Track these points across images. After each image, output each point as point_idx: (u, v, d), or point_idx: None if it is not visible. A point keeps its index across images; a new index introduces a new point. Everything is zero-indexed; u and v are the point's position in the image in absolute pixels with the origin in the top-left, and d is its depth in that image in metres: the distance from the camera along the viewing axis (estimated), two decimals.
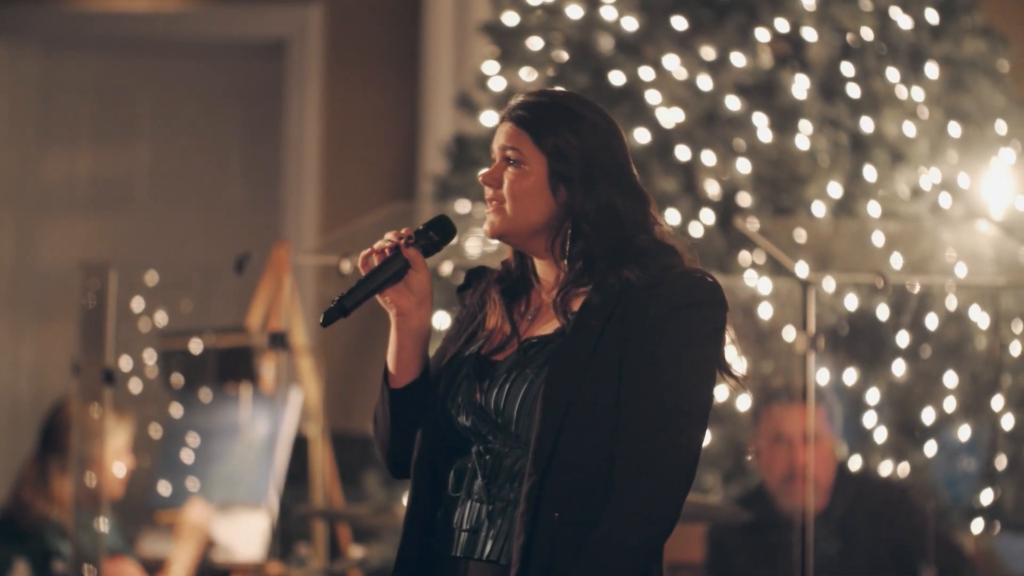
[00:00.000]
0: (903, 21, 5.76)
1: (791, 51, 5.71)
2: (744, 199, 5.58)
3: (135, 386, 5.87)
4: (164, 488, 5.85)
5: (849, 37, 5.69)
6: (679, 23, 5.70)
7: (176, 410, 5.95)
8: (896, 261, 5.22)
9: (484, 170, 2.98)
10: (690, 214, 5.58)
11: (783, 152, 5.59)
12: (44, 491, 5.57)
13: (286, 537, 5.71)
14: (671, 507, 2.81)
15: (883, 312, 5.52)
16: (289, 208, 7.73)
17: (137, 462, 5.80)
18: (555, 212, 2.93)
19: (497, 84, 5.89)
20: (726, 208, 5.58)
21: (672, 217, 5.50)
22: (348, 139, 7.68)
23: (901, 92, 5.68)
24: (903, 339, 5.49)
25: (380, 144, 7.65)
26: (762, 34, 5.68)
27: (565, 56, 5.82)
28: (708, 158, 5.60)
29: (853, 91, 5.66)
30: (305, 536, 5.95)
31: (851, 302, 5.50)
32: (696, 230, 5.56)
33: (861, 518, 5.12)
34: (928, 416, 5.50)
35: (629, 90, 5.68)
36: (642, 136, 5.61)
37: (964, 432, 5.46)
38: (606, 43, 5.79)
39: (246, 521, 5.77)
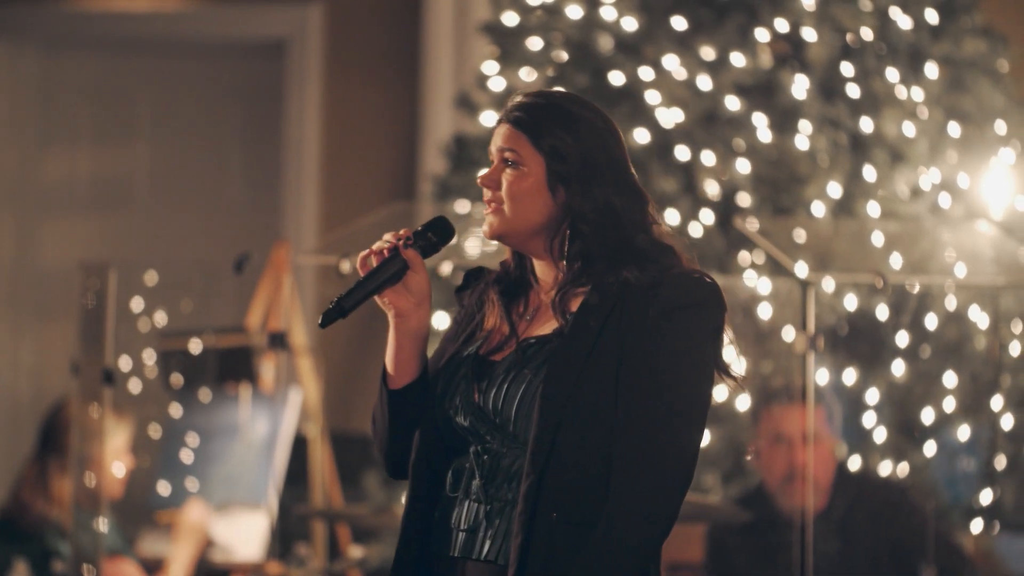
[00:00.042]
0: (903, 21, 5.76)
1: (791, 51, 5.71)
2: (744, 199, 5.58)
3: (135, 386, 5.87)
4: (164, 488, 5.85)
5: (849, 37, 5.69)
6: (679, 23, 5.70)
7: (176, 410, 5.95)
8: (896, 261, 5.21)
9: (483, 171, 2.99)
10: (690, 214, 5.58)
11: (783, 152, 5.59)
12: (44, 491, 5.57)
13: (285, 537, 5.71)
14: (669, 507, 2.81)
15: (883, 312, 5.51)
16: (289, 208, 7.73)
17: (137, 462, 5.80)
18: (554, 213, 2.94)
19: (497, 84, 5.89)
20: (726, 208, 5.58)
21: (672, 217, 5.50)
22: (348, 139, 7.68)
23: (901, 92, 5.68)
24: (903, 339, 5.49)
25: (380, 144, 7.65)
26: (762, 34, 5.68)
27: (565, 56, 5.82)
28: (708, 158, 5.60)
29: (853, 91, 5.66)
30: (304, 536, 5.95)
31: (851, 302, 5.50)
32: (696, 230, 5.56)
33: (861, 518, 5.12)
34: (928, 416, 5.50)
35: (629, 90, 5.68)
36: (642, 136, 5.61)
37: (964, 432, 5.46)
38: (606, 43, 5.79)
39: (246, 521, 5.77)
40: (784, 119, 5.62)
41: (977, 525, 5.30)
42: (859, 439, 5.49)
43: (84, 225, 8.06)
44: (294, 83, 7.74)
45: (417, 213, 6.74)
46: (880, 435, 5.52)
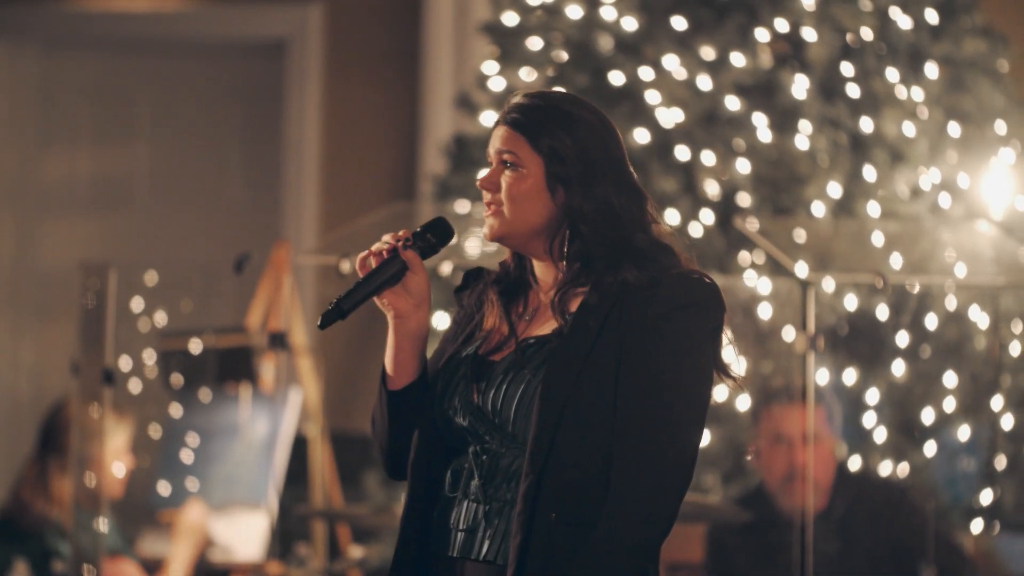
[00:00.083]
0: (903, 21, 5.76)
1: (791, 51, 5.71)
2: (744, 199, 5.58)
3: (135, 386, 5.87)
4: (164, 488, 5.85)
5: (849, 37, 5.69)
6: (679, 23, 5.70)
7: (176, 410, 5.95)
8: (896, 261, 5.21)
9: (483, 171, 2.98)
10: (690, 214, 5.58)
11: (783, 152, 5.59)
12: (44, 491, 5.57)
13: (285, 537, 5.71)
14: (668, 507, 2.81)
15: (883, 312, 5.51)
16: (289, 208, 7.73)
17: (137, 462, 5.80)
18: (553, 213, 2.94)
19: (497, 84, 5.88)
20: (726, 208, 5.58)
21: (672, 217, 5.50)
22: (348, 139, 7.68)
23: (901, 92, 5.68)
24: (903, 339, 5.49)
25: (380, 144, 7.65)
26: (762, 34, 5.68)
27: (565, 56, 5.82)
28: (708, 158, 5.60)
29: (853, 91, 5.66)
30: (304, 536, 5.95)
31: (851, 302, 5.50)
32: (696, 230, 5.56)
33: (861, 518, 5.12)
34: (928, 416, 5.50)
35: (629, 90, 5.68)
36: (642, 136, 5.61)
37: (964, 432, 5.46)
38: (606, 43, 5.78)
39: (246, 521, 5.77)
40: (784, 119, 5.62)
41: (977, 525, 5.30)
42: (859, 439, 5.49)
43: (84, 225, 8.06)
44: (294, 83, 7.74)
45: (417, 213, 6.74)
46: (880, 435, 5.52)
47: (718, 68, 5.65)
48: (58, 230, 8.06)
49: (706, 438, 5.41)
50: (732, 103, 5.62)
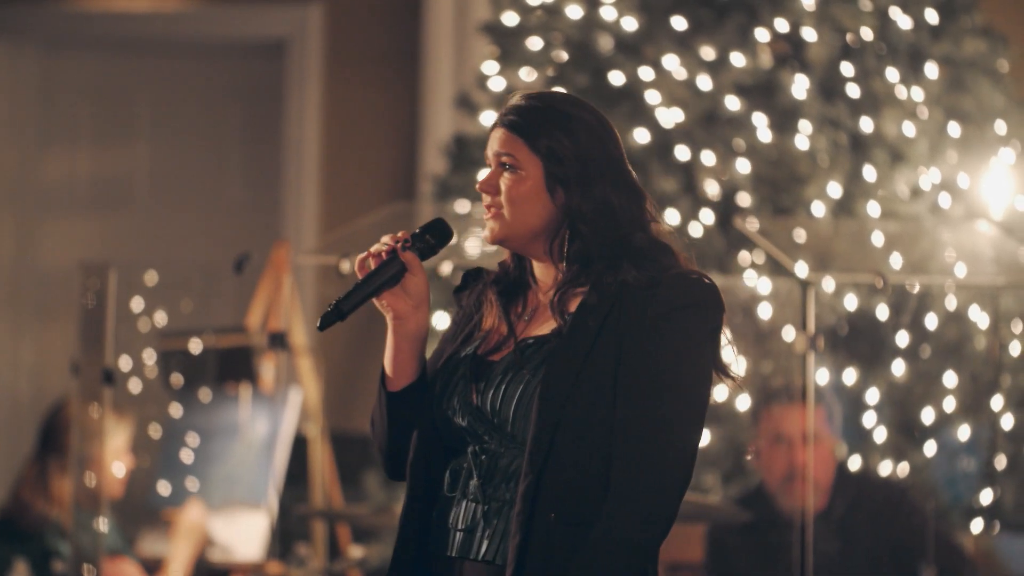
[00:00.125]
0: (903, 21, 5.76)
1: (791, 51, 5.71)
2: (744, 199, 5.58)
3: (135, 386, 5.87)
4: (164, 488, 5.85)
5: (849, 37, 5.69)
6: (679, 23, 5.70)
7: (176, 410, 5.95)
8: (896, 261, 5.21)
9: (483, 172, 2.98)
10: (690, 214, 5.58)
11: (783, 152, 5.59)
12: (44, 491, 5.57)
13: (286, 537, 5.71)
14: (668, 508, 2.81)
15: (883, 312, 5.51)
16: (289, 208, 7.73)
17: (137, 462, 5.80)
18: (553, 215, 2.94)
19: (497, 84, 5.88)
20: (726, 208, 5.58)
21: (672, 217, 5.50)
22: (348, 139, 7.68)
23: (901, 92, 5.68)
24: (903, 339, 5.49)
25: (380, 144, 7.65)
26: (762, 34, 5.68)
27: (565, 56, 5.82)
28: (708, 158, 5.60)
29: (853, 91, 5.66)
30: (305, 536, 5.95)
31: (851, 302, 5.50)
32: (696, 230, 5.56)
33: (861, 518, 5.12)
34: (928, 416, 5.50)
35: (629, 90, 5.68)
36: (642, 136, 5.61)
37: (964, 432, 5.46)
38: (606, 43, 5.78)
39: (246, 521, 5.77)
40: (784, 119, 5.62)
41: (977, 525, 5.30)
42: (859, 439, 5.49)
43: (84, 225, 8.06)
44: (294, 83, 7.74)
45: (417, 213, 6.74)
46: (880, 435, 5.52)
47: (718, 68, 5.65)
48: (58, 230, 8.06)
49: (706, 438, 5.41)
50: (732, 103, 5.62)
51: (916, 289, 5.34)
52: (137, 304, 5.82)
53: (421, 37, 7.46)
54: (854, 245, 5.31)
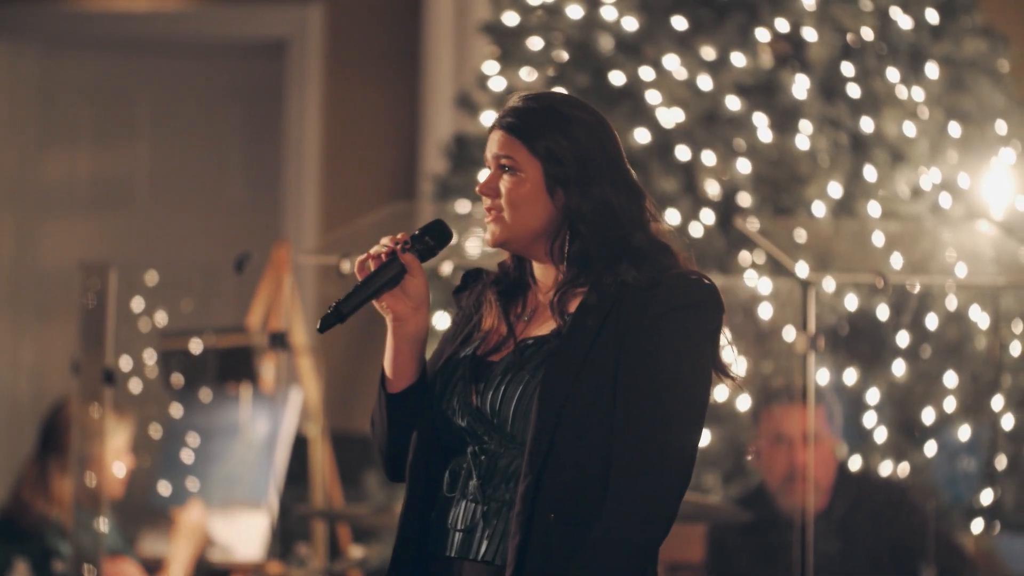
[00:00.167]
0: (903, 21, 5.76)
1: (791, 51, 5.71)
2: (744, 199, 5.58)
3: (135, 386, 5.87)
4: (164, 488, 5.85)
5: (849, 37, 5.69)
6: (679, 23, 5.70)
7: (176, 410, 5.95)
8: (896, 261, 5.21)
9: (483, 173, 2.98)
10: (690, 214, 5.58)
11: (783, 152, 5.59)
12: (44, 491, 5.57)
13: (286, 537, 5.71)
14: (667, 508, 2.81)
15: (883, 312, 5.51)
16: (289, 208, 7.73)
17: (137, 462, 5.80)
18: (553, 216, 2.93)
19: (497, 84, 5.88)
20: (726, 208, 5.58)
21: (672, 217, 5.50)
22: (348, 139, 7.68)
23: (901, 92, 5.68)
24: (903, 339, 5.49)
25: (380, 144, 7.65)
26: (762, 34, 5.68)
27: (565, 56, 5.82)
28: (708, 158, 5.59)
29: (853, 91, 5.66)
30: (305, 536, 5.95)
31: (851, 302, 5.50)
32: (696, 230, 5.56)
33: (861, 518, 5.12)
34: (928, 416, 5.50)
35: (629, 90, 5.68)
36: (642, 136, 5.61)
37: (964, 432, 5.46)
38: (606, 43, 5.78)
39: (246, 521, 5.77)
40: (784, 119, 5.62)
41: (978, 525, 5.30)
42: (859, 439, 5.49)
43: (84, 225, 8.06)
44: (294, 83, 7.74)
45: (417, 213, 6.74)
46: (880, 435, 5.52)
47: (718, 68, 5.64)
48: (58, 230, 8.06)
49: (706, 438, 5.40)
50: (732, 103, 5.62)
51: (916, 289, 5.34)
52: (137, 304, 5.82)
53: (421, 37, 7.46)
54: (855, 245, 5.31)
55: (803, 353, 4.55)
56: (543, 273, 2.99)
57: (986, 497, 5.30)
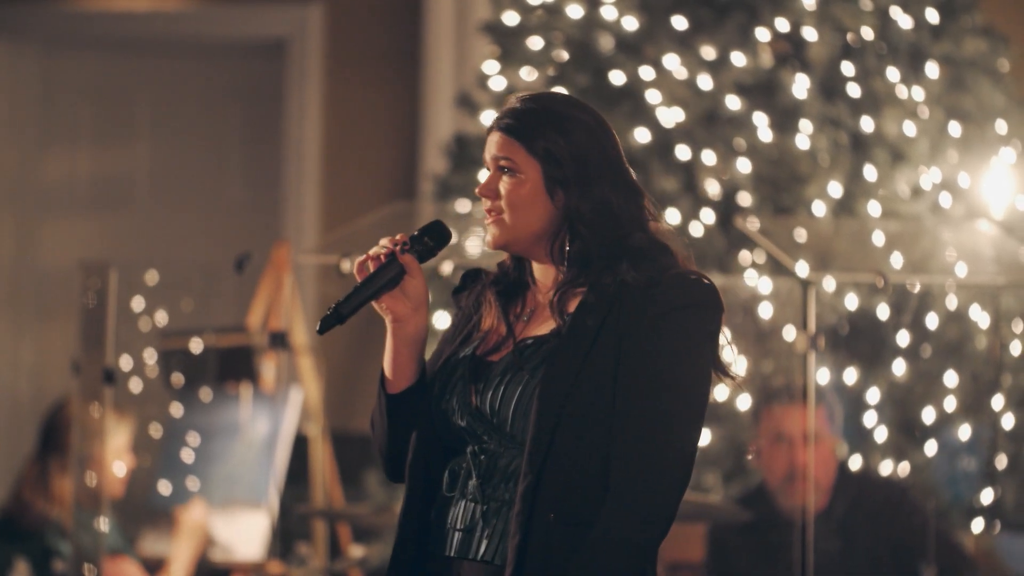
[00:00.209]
0: (903, 21, 5.76)
1: (791, 51, 5.71)
2: (744, 199, 5.58)
3: (135, 386, 5.87)
4: (165, 487, 5.85)
5: (849, 37, 5.69)
6: (679, 23, 5.70)
7: (176, 410, 5.95)
8: (896, 261, 5.22)
9: (483, 173, 2.98)
10: (690, 214, 5.58)
11: (783, 152, 5.59)
12: (44, 491, 5.57)
13: (286, 536, 5.71)
14: (667, 507, 2.81)
15: (883, 312, 5.51)
16: (289, 208, 7.73)
17: (137, 462, 5.80)
18: (553, 217, 2.93)
19: (497, 84, 5.89)
20: (726, 208, 5.58)
21: (672, 217, 5.50)
22: (348, 139, 7.68)
23: (901, 92, 5.68)
24: (903, 339, 5.49)
25: (380, 144, 7.65)
26: (762, 34, 5.68)
27: (565, 56, 5.82)
28: (708, 158, 5.60)
29: (853, 91, 5.66)
30: (305, 535, 5.95)
31: (851, 302, 5.50)
32: (696, 229, 5.56)
33: (861, 518, 5.12)
34: (928, 416, 5.50)
35: (629, 90, 5.68)
36: (642, 136, 5.61)
37: (964, 432, 5.46)
38: (606, 43, 5.78)
39: (246, 520, 5.77)
40: (785, 118, 5.62)
41: (978, 524, 5.30)
42: (860, 438, 5.49)
43: (84, 225, 8.06)
44: (294, 83, 7.74)
45: (417, 213, 6.74)
46: (881, 434, 5.52)
47: (719, 68, 5.65)
48: (58, 230, 8.06)
49: (706, 437, 5.41)
50: (733, 103, 5.62)
51: (917, 288, 5.34)
52: (138, 304, 5.82)
53: (421, 37, 7.46)
54: (855, 244, 5.31)
55: (803, 352, 4.55)
56: (543, 273, 2.99)
57: (986, 497, 5.30)
